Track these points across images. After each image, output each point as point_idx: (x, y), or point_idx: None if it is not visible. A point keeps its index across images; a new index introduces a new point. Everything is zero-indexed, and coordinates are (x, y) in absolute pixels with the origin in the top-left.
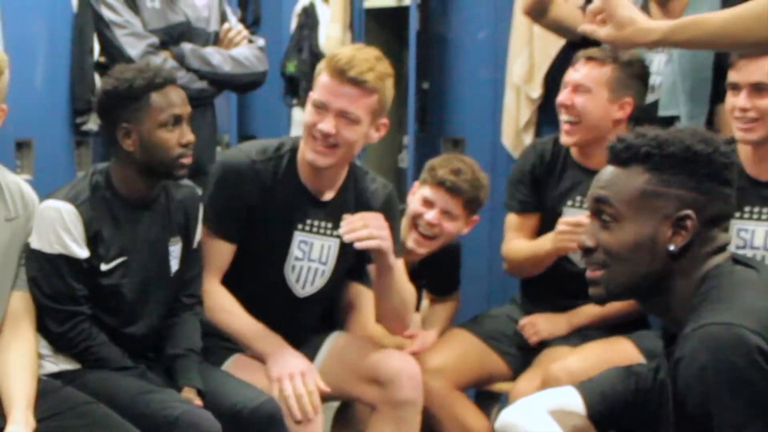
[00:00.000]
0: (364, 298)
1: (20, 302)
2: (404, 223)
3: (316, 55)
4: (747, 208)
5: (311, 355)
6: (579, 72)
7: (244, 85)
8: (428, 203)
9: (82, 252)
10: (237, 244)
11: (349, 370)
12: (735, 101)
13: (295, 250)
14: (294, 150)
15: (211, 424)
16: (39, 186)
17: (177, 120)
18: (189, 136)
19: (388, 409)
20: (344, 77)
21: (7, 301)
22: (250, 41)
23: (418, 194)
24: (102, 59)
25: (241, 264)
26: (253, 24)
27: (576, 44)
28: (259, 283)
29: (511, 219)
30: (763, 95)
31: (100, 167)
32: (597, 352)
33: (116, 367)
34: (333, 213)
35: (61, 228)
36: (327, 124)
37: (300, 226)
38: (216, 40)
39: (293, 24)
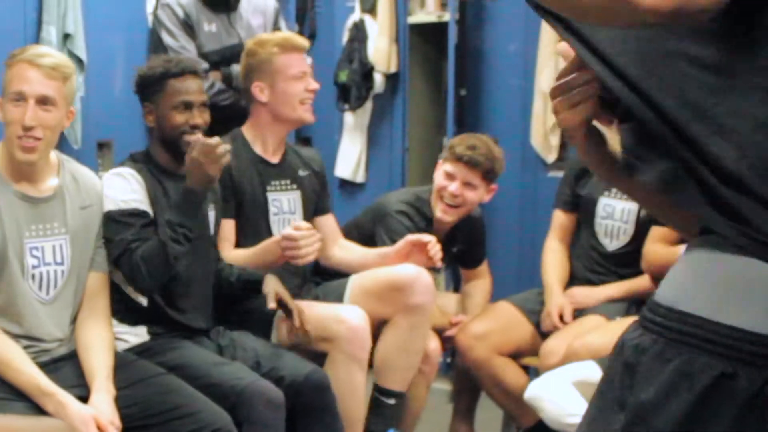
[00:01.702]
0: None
1: (97, 282)
2: (432, 197)
3: (365, 65)
4: (613, 189)
5: (337, 299)
6: None
7: None
8: (450, 176)
9: (146, 207)
10: (235, 218)
11: (376, 293)
12: None
13: (272, 207)
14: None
15: (275, 394)
16: None
17: (187, 105)
18: (197, 120)
19: (403, 313)
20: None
21: (85, 281)
22: None
23: (440, 170)
24: None
25: (242, 233)
26: (309, 37)
27: None
28: (255, 242)
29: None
30: None
31: (135, 152)
32: (615, 331)
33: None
34: (286, 171)
35: (126, 187)
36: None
37: (269, 187)
38: None
39: (345, 37)
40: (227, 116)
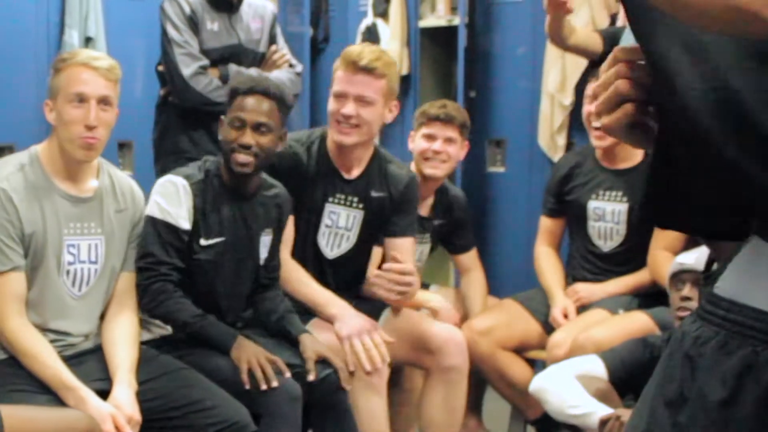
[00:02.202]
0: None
1: (127, 282)
2: (414, 165)
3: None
4: (600, 191)
5: None
6: None
7: None
8: (430, 137)
9: (185, 224)
10: (293, 215)
11: (405, 340)
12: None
13: (326, 219)
14: (321, 137)
15: (294, 389)
16: (138, 181)
17: (241, 122)
18: (247, 139)
19: (439, 373)
20: (357, 67)
21: (115, 280)
22: (291, 65)
23: (417, 137)
24: (161, 68)
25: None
26: (323, 41)
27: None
28: (299, 248)
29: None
30: None
31: (213, 158)
32: (618, 325)
33: (186, 318)
34: (358, 188)
35: (173, 198)
36: (347, 108)
37: (330, 198)
38: (263, 60)
39: (358, 40)
40: (223, 112)
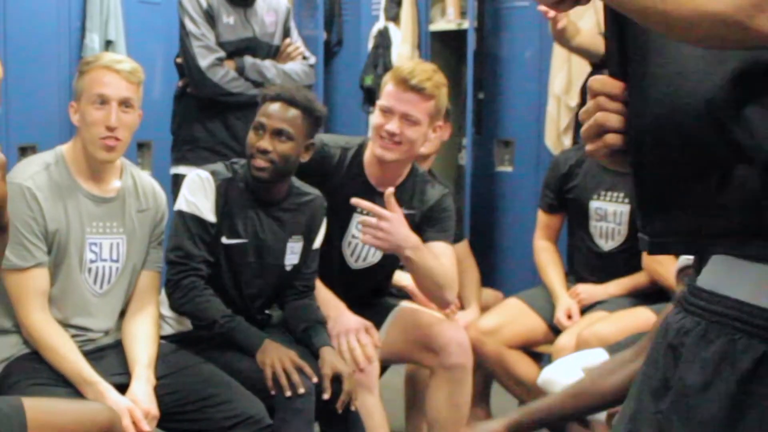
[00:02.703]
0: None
1: (148, 280)
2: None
3: (389, 70)
4: (602, 192)
5: (377, 324)
6: None
7: None
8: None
9: (211, 216)
10: None
11: (409, 339)
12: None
13: (352, 230)
14: (359, 149)
15: (308, 387)
16: (157, 180)
17: (262, 127)
18: (263, 144)
19: (443, 372)
20: (407, 85)
21: (136, 278)
22: (305, 58)
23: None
24: (179, 60)
25: None
26: (336, 44)
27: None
28: (323, 255)
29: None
30: None
31: (244, 161)
32: (622, 320)
33: (215, 317)
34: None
35: (198, 190)
36: (392, 125)
37: (359, 210)
38: (278, 52)
39: (370, 44)
40: (239, 102)
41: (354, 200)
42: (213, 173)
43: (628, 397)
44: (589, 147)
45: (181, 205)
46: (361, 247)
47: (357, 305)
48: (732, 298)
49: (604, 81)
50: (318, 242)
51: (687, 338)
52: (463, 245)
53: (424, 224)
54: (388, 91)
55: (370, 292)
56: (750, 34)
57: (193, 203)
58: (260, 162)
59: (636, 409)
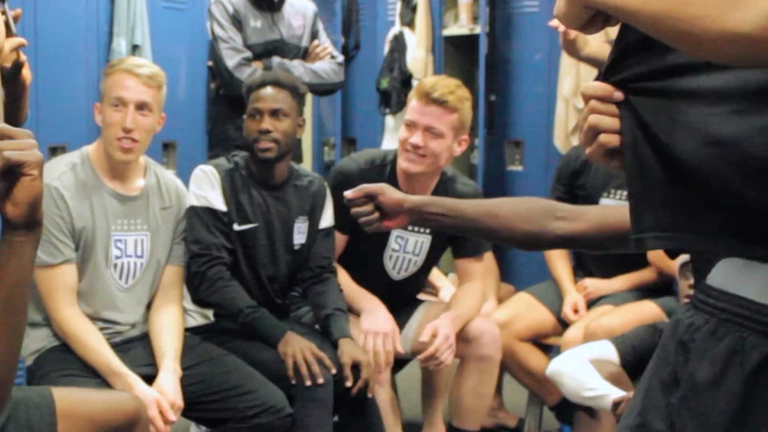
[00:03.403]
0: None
1: (172, 274)
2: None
3: (404, 73)
4: (611, 189)
5: (404, 320)
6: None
7: (321, 92)
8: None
9: (221, 205)
10: (348, 235)
11: None
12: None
13: (392, 243)
14: (394, 161)
15: (326, 377)
16: (182, 179)
17: (258, 112)
18: (264, 125)
19: (473, 362)
20: (429, 99)
21: (161, 273)
22: (332, 57)
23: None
24: (210, 63)
25: (352, 252)
26: (354, 48)
27: None
28: (364, 268)
29: None
30: None
31: (241, 153)
32: (628, 313)
33: (241, 307)
34: None
35: (205, 184)
36: (416, 138)
37: None
38: (306, 53)
39: (386, 48)
40: None
41: None
42: (216, 166)
43: (637, 390)
44: (587, 151)
45: (191, 200)
46: (402, 260)
47: (397, 306)
48: (741, 296)
49: (595, 86)
50: (324, 223)
51: (697, 335)
52: (476, 262)
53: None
54: (413, 106)
55: (410, 295)
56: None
57: (202, 196)
58: (265, 143)
59: (645, 403)
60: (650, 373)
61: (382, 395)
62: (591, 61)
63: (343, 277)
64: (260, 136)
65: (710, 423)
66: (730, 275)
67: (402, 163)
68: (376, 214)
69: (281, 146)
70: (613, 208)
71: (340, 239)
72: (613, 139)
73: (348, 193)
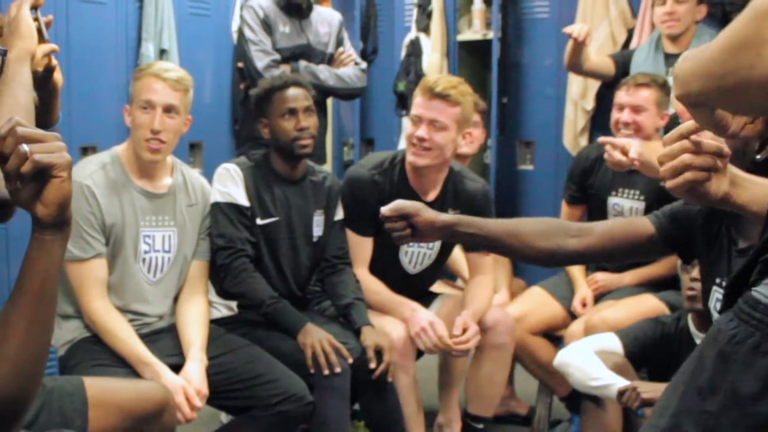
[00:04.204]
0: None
1: (198, 269)
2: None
3: (420, 77)
4: (620, 189)
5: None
6: (632, 96)
7: (344, 95)
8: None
9: (244, 201)
10: (372, 236)
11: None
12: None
13: None
14: (403, 161)
15: (344, 367)
16: (207, 178)
17: (292, 111)
18: (303, 123)
19: (488, 350)
20: (432, 93)
21: (187, 267)
22: (356, 63)
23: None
24: (240, 65)
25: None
26: (372, 53)
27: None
28: (381, 263)
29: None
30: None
31: (258, 151)
32: (629, 306)
33: (264, 297)
34: (435, 209)
35: (228, 181)
36: (421, 131)
37: None
38: (331, 59)
39: (403, 52)
40: None
41: None
42: (238, 164)
43: (668, 392)
44: (670, 184)
45: (215, 197)
46: (417, 254)
47: (413, 298)
48: None
49: (692, 128)
50: (338, 216)
51: (740, 347)
52: (485, 256)
53: None
54: (417, 102)
55: (426, 288)
56: None
57: (226, 193)
58: (305, 140)
59: (680, 406)
60: (685, 378)
61: (405, 381)
62: (593, 74)
63: (378, 285)
64: (300, 134)
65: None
66: None
67: (409, 158)
68: (408, 231)
69: (314, 140)
70: (618, 223)
71: (365, 243)
72: (701, 176)
73: (384, 210)
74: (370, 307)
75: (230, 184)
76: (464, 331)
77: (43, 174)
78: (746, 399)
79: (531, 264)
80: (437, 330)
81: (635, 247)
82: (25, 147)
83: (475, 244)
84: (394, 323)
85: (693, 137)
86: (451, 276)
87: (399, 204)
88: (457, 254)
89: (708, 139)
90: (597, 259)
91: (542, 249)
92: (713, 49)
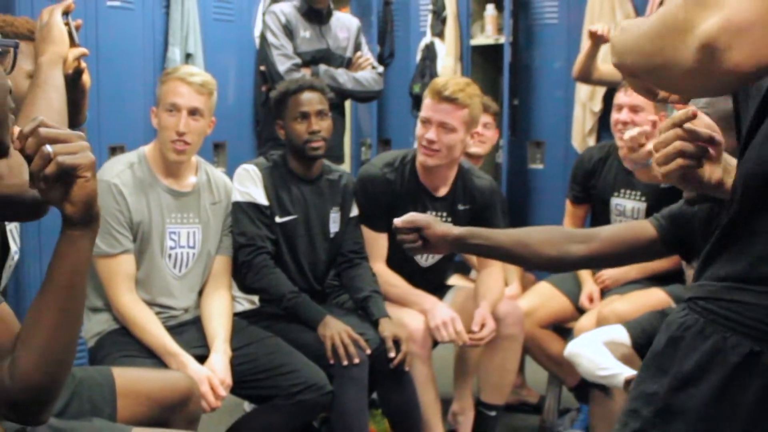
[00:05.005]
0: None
1: (221, 263)
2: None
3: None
4: (622, 189)
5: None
6: (631, 96)
7: (361, 98)
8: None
9: (263, 200)
10: (386, 232)
11: (472, 310)
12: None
13: None
14: (413, 159)
15: (362, 357)
16: (231, 177)
17: (304, 115)
18: (314, 126)
19: (498, 340)
20: (441, 96)
21: (211, 262)
22: (373, 67)
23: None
24: (262, 68)
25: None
26: (389, 57)
27: None
28: (396, 258)
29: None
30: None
31: (276, 152)
32: (638, 299)
33: (284, 292)
34: (446, 204)
35: (248, 181)
36: (430, 134)
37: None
38: (350, 63)
39: (418, 56)
40: None
41: None
42: (257, 164)
43: (637, 376)
44: (663, 169)
45: (236, 197)
46: None
47: (427, 290)
48: (726, 298)
49: (686, 115)
50: (353, 212)
51: (687, 333)
52: None
53: (477, 221)
54: (426, 104)
55: (439, 280)
56: (722, 71)
57: (246, 192)
58: (316, 143)
59: (636, 391)
60: (645, 364)
61: (423, 371)
62: (601, 83)
63: (396, 279)
64: (311, 136)
65: (693, 411)
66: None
67: (419, 158)
68: (419, 243)
69: (326, 143)
70: (621, 228)
71: (381, 239)
72: (692, 163)
73: (397, 221)
74: (389, 300)
75: (250, 184)
76: (482, 327)
77: (68, 175)
78: (689, 380)
79: (542, 270)
80: (456, 326)
81: (638, 250)
82: (48, 148)
83: (486, 254)
84: (412, 315)
85: (686, 125)
86: (464, 269)
87: (411, 216)
88: None
89: (702, 128)
90: (602, 264)
91: (549, 257)
92: (647, 26)
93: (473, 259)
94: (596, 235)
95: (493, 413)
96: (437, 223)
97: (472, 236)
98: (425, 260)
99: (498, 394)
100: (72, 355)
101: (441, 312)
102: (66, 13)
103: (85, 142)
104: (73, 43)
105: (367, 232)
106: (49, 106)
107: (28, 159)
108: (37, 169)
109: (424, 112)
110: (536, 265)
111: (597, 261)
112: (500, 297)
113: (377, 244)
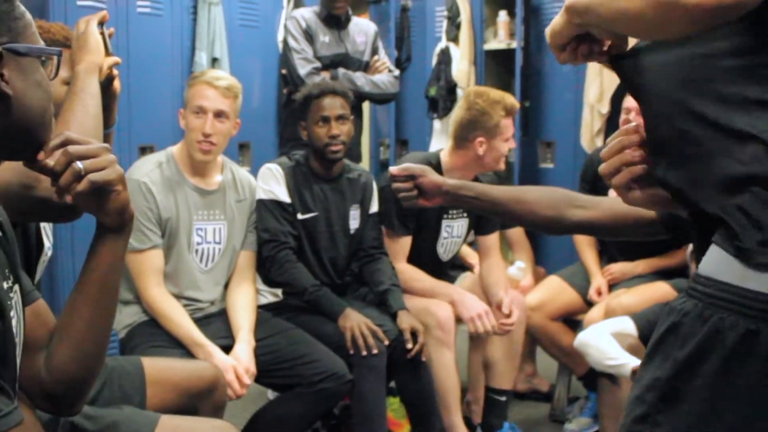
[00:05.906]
0: (482, 245)
1: (246, 258)
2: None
3: (450, 83)
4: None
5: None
6: None
7: (378, 100)
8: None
9: (286, 198)
10: (410, 235)
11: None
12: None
13: (443, 232)
14: (439, 161)
15: (380, 348)
16: (255, 175)
17: (325, 119)
18: (334, 131)
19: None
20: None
21: (236, 257)
22: (390, 70)
23: (506, 135)
24: (284, 72)
25: (411, 246)
26: (405, 60)
27: None
28: (421, 257)
29: None
30: None
31: (299, 152)
32: (644, 292)
33: (306, 285)
34: None
35: (271, 179)
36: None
37: (445, 216)
38: (367, 66)
39: (434, 61)
40: None
41: None
42: (279, 164)
43: (641, 363)
44: (614, 180)
45: (259, 195)
46: (449, 244)
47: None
48: (723, 281)
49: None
50: (372, 209)
51: (686, 318)
52: (493, 237)
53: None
54: (505, 124)
55: (451, 270)
56: (683, 10)
57: (269, 190)
58: (336, 146)
59: (642, 377)
60: (649, 350)
61: (447, 357)
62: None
63: (420, 273)
64: (331, 140)
65: (696, 394)
66: (715, 264)
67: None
68: (415, 192)
69: (346, 146)
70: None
71: (404, 242)
72: (637, 170)
73: (393, 169)
74: (416, 294)
75: (273, 182)
76: (509, 314)
77: (100, 191)
78: (692, 363)
79: (534, 230)
80: (491, 318)
81: (637, 226)
82: (79, 164)
83: (480, 208)
84: (439, 304)
85: (627, 126)
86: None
87: (407, 165)
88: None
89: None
90: (600, 232)
91: (546, 216)
92: None
93: (470, 259)
94: (598, 203)
95: (503, 398)
96: (432, 172)
97: (465, 188)
98: (446, 255)
99: (506, 378)
100: (105, 349)
101: (473, 304)
102: (101, 23)
103: (112, 155)
104: (107, 52)
105: (390, 235)
106: (85, 113)
107: (54, 173)
108: (66, 183)
109: (508, 132)
110: (530, 224)
111: (593, 229)
112: (506, 286)
113: (400, 246)
